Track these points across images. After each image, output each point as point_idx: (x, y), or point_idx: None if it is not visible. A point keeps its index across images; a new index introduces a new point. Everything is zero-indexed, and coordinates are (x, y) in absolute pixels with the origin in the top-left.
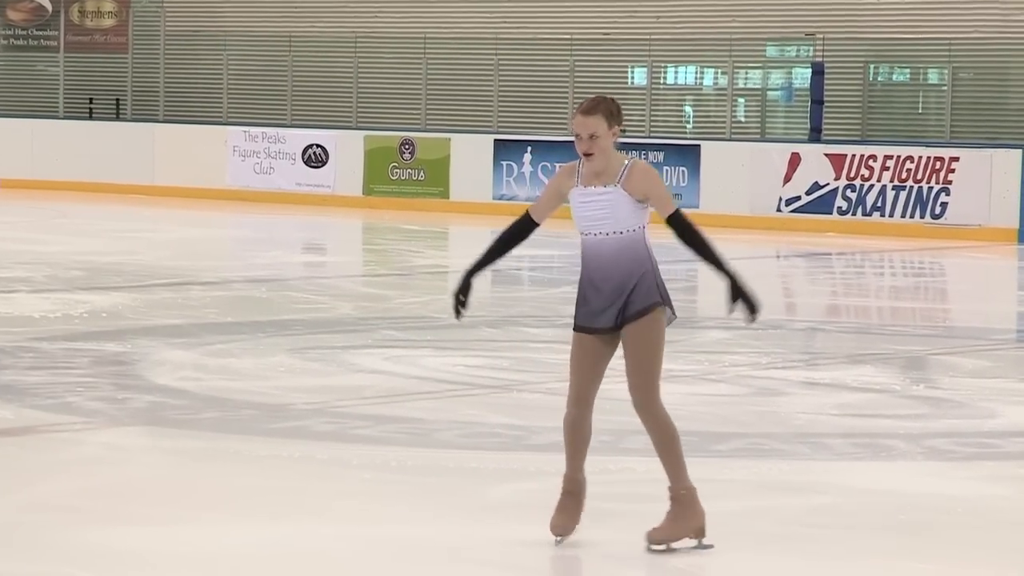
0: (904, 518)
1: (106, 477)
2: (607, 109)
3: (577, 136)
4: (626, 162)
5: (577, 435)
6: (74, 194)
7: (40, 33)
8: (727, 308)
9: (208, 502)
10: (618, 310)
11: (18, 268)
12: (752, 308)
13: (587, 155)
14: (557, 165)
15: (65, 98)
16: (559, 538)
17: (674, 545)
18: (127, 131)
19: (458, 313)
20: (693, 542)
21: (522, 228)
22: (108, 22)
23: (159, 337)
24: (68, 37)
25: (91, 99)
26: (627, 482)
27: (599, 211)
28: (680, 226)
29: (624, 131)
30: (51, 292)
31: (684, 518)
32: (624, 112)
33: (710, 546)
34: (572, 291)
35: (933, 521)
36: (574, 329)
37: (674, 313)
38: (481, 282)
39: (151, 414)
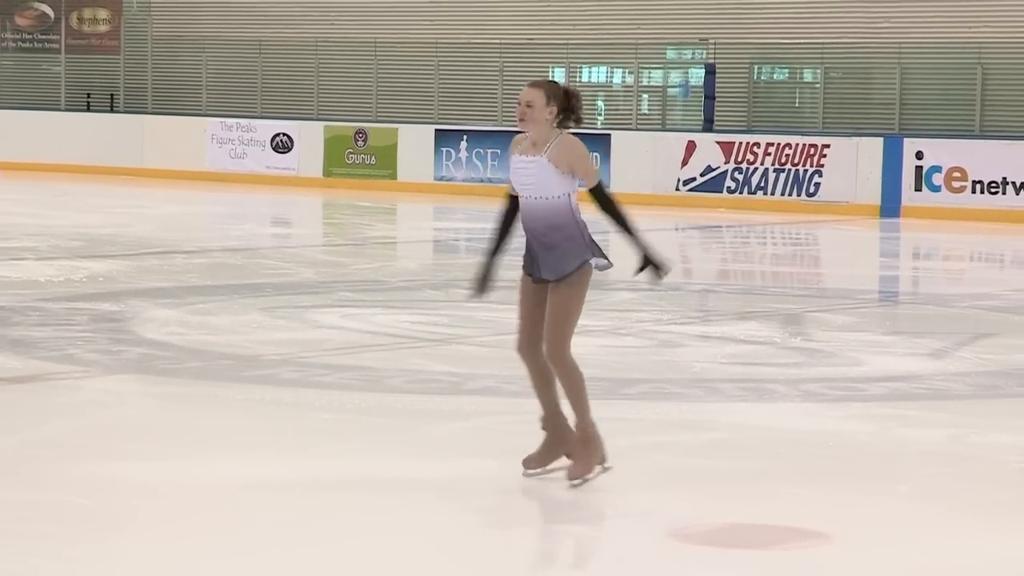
0: (784, 451)
1: (102, 418)
2: (549, 88)
3: (518, 104)
4: (556, 136)
5: (535, 376)
6: (74, 176)
7: (44, 37)
8: (635, 271)
9: (191, 439)
10: (549, 267)
11: (25, 239)
12: (659, 270)
13: (521, 121)
14: (489, 151)
15: (66, 93)
16: (528, 471)
17: (588, 476)
18: (120, 121)
19: (481, 291)
20: (599, 468)
21: (510, 208)
22: (103, 27)
23: (148, 298)
24: (68, 40)
25: (88, 94)
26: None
27: (526, 178)
28: (600, 197)
29: (576, 120)
30: (54, 259)
31: (590, 453)
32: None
33: (610, 467)
34: (505, 258)
35: (809, 453)
36: (523, 270)
37: (609, 261)
38: (424, 251)
39: (141, 364)
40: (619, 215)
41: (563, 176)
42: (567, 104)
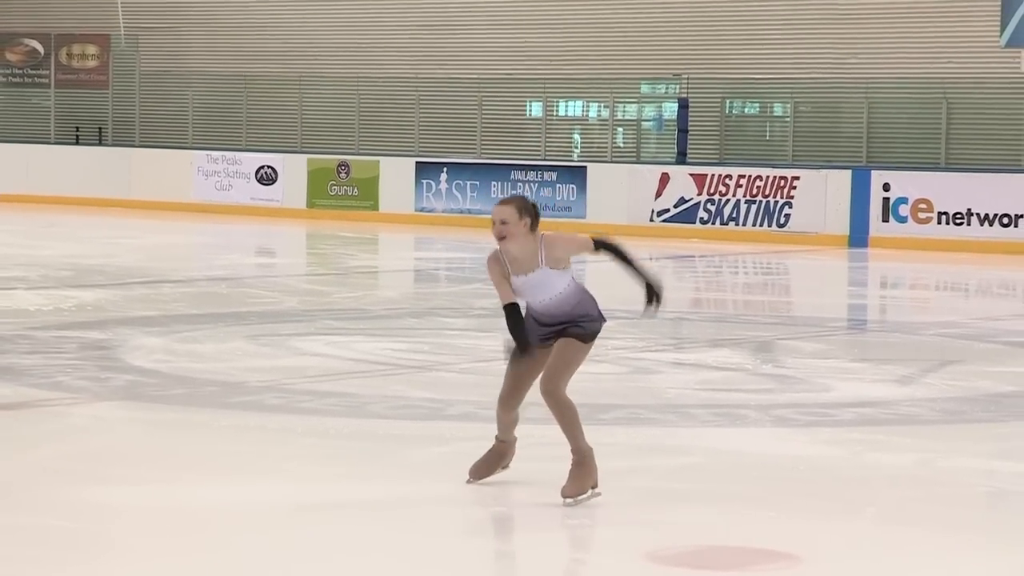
0: (756, 474)
1: (91, 444)
2: (519, 204)
3: (493, 223)
4: (539, 241)
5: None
6: (63, 207)
7: (34, 72)
8: (645, 310)
9: (178, 464)
10: (557, 332)
11: (16, 269)
12: (657, 301)
13: (501, 239)
14: (468, 183)
15: (55, 126)
16: (471, 480)
17: (580, 497)
18: (108, 154)
19: (524, 350)
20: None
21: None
22: (91, 63)
23: (135, 326)
24: (58, 75)
25: (77, 127)
26: (529, 446)
27: (537, 287)
28: (607, 248)
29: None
30: (44, 289)
31: (583, 476)
32: (523, 140)
33: (599, 493)
34: (482, 287)
35: (780, 477)
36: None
37: (603, 318)
38: (405, 281)
39: (129, 391)
40: (627, 257)
41: (562, 272)
42: (535, 212)
